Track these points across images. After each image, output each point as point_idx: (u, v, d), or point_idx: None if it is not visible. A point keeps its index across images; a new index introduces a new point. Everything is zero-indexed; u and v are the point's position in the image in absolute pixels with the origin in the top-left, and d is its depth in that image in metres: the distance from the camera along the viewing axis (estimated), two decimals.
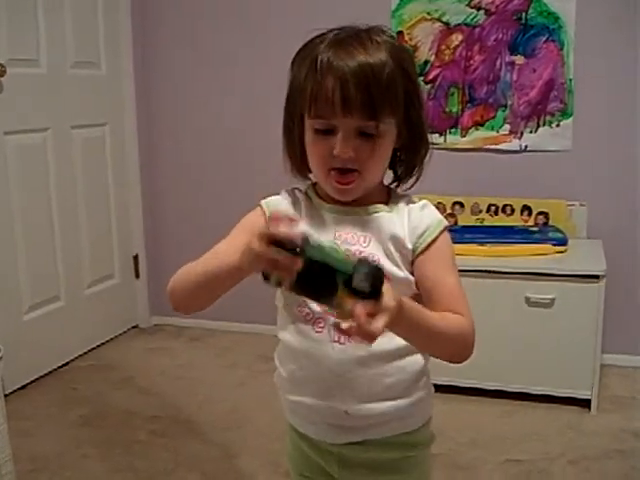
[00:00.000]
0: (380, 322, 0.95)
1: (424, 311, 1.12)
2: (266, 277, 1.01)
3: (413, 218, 1.24)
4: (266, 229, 0.99)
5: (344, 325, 0.95)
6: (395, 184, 1.32)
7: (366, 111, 1.14)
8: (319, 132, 1.18)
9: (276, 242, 0.97)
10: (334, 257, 0.98)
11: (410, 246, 1.22)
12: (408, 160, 1.28)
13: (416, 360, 1.27)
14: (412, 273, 1.22)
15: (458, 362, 1.21)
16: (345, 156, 1.16)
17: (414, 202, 1.27)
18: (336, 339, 1.21)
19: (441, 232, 1.23)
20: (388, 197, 1.29)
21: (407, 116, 1.21)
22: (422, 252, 1.22)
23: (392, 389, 1.24)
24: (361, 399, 1.23)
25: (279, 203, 1.29)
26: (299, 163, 1.28)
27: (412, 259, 1.22)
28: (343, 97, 1.13)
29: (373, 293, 0.96)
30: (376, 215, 1.24)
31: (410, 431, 1.30)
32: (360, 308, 0.94)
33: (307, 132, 1.21)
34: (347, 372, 1.22)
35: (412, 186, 1.32)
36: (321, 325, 1.22)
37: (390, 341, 1.20)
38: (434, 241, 1.22)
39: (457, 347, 1.20)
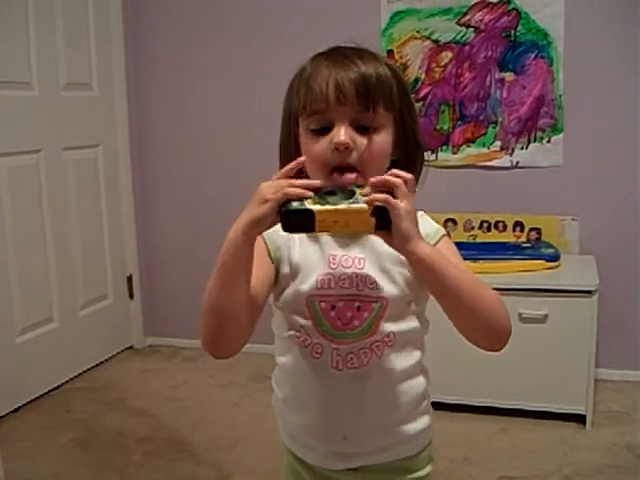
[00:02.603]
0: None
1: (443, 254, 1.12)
2: (285, 214, 1.04)
3: None
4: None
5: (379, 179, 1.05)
6: None
7: (360, 100, 1.14)
8: (315, 132, 1.17)
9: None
10: None
11: None
12: (407, 170, 1.27)
13: (417, 384, 1.27)
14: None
15: (493, 342, 1.14)
16: (342, 146, 1.13)
17: None
18: (334, 365, 1.20)
19: (441, 238, 1.22)
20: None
21: (402, 119, 1.21)
22: None
23: (392, 414, 1.24)
24: (360, 426, 1.22)
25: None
26: (296, 178, 1.26)
27: None
28: (337, 89, 1.14)
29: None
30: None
31: (410, 455, 1.29)
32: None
33: (303, 137, 1.20)
34: (345, 398, 1.21)
35: None
36: (319, 351, 1.20)
37: (391, 364, 1.21)
38: (436, 244, 1.20)
39: (487, 311, 1.11)
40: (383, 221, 1.03)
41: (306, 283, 1.20)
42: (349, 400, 1.21)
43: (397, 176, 1.05)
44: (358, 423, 1.22)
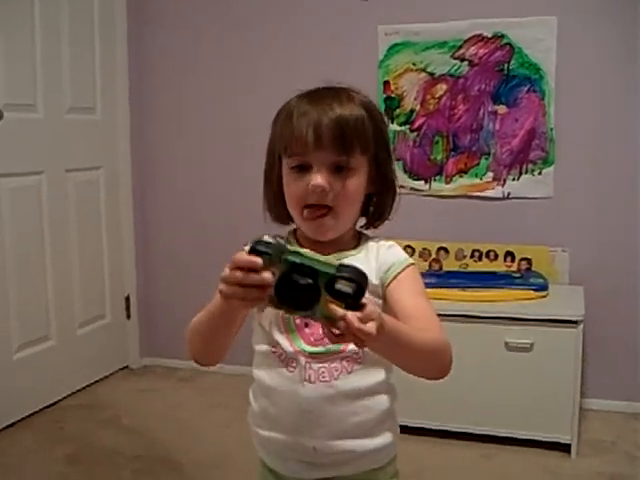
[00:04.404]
0: (372, 324, 0.97)
1: (401, 324, 1.14)
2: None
3: (380, 256, 1.31)
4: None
5: (338, 328, 0.97)
6: (366, 228, 1.40)
7: (337, 146, 1.23)
8: (295, 170, 1.26)
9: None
10: (315, 259, 0.98)
11: (376, 281, 1.27)
12: (377, 205, 1.37)
13: (382, 400, 1.33)
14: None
15: (436, 378, 1.23)
16: (319, 189, 1.23)
17: (382, 243, 1.35)
18: (306, 378, 1.27)
19: (406, 267, 1.30)
20: (359, 241, 1.37)
21: (376, 159, 1.31)
22: (390, 283, 1.28)
23: (359, 427, 1.29)
24: (329, 436, 1.28)
25: None
26: (278, 209, 1.36)
27: (382, 293, 1.28)
28: (315, 135, 1.23)
29: (357, 295, 0.96)
30: (345, 260, 1.30)
31: (377, 467, 1.34)
32: (351, 313, 0.95)
33: (284, 173, 1.29)
34: (316, 409, 1.27)
35: (376, 226, 1.39)
36: (293, 365, 1.28)
37: (360, 379, 1.28)
38: (400, 273, 1.28)
39: (435, 361, 1.21)
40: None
41: None
42: (319, 412, 1.27)
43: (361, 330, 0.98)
44: (327, 434, 1.28)
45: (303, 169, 1.26)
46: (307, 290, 0.97)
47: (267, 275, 0.98)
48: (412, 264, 1.31)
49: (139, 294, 3.89)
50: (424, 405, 2.75)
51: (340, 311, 0.96)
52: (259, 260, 0.98)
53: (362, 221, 1.40)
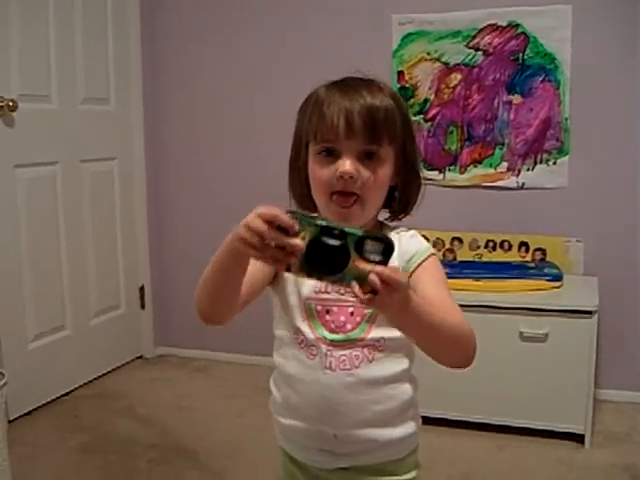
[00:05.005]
0: (404, 275, 0.99)
1: (426, 302, 1.13)
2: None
3: (403, 245, 1.30)
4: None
5: (369, 286, 0.97)
6: (390, 221, 1.40)
7: (367, 134, 1.24)
8: (322, 155, 1.26)
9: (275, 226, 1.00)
10: (342, 225, 1.00)
11: None
12: (403, 196, 1.36)
13: (405, 390, 1.33)
14: None
15: (459, 366, 1.22)
16: (347, 175, 1.23)
17: (404, 232, 1.35)
18: (327, 365, 1.27)
19: (429, 256, 1.30)
20: (380, 230, 1.37)
21: (404, 149, 1.31)
22: (412, 273, 1.27)
23: (380, 416, 1.30)
24: (350, 425, 1.29)
25: None
26: (304, 197, 1.36)
27: None
28: (347, 123, 1.23)
29: (386, 253, 0.99)
30: None
31: (398, 459, 1.35)
32: (380, 266, 0.97)
33: (311, 160, 1.29)
34: (337, 397, 1.27)
35: (400, 219, 1.39)
36: (314, 352, 1.28)
37: (381, 368, 1.29)
38: (422, 262, 1.28)
39: (458, 347, 1.19)
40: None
41: (305, 286, 1.29)
42: (340, 400, 1.28)
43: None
44: (348, 423, 1.29)
45: (330, 155, 1.26)
46: (337, 251, 0.99)
47: (299, 242, 0.99)
48: (434, 254, 1.32)
49: (153, 284, 3.91)
50: (437, 395, 2.75)
51: (369, 265, 0.98)
52: (296, 224, 1.00)
53: (384, 214, 1.40)
